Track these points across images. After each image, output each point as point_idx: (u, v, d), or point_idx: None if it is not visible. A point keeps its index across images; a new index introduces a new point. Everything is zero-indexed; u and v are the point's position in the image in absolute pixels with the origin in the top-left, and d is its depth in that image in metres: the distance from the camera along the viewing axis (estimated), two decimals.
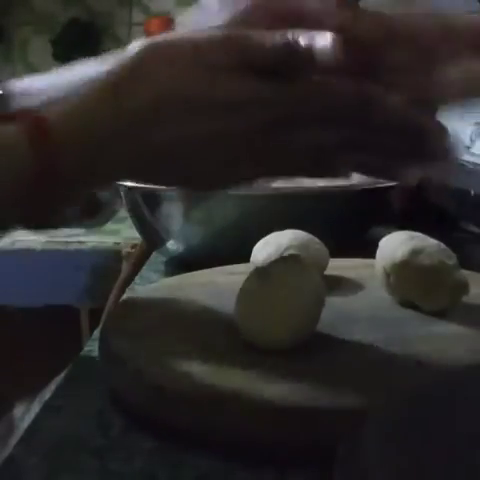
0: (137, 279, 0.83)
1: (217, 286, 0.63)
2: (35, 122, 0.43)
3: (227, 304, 0.54)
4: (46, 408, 0.51)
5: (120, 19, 1.76)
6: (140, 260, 0.99)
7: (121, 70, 0.45)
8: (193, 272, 0.68)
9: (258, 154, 0.46)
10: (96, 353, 0.56)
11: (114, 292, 1.11)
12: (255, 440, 0.44)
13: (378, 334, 0.52)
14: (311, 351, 0.50)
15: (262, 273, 0.52)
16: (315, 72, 0.44)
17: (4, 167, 0.43)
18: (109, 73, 0.45)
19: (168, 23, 1.57)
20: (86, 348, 0.61)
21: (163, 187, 0.76)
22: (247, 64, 0.44)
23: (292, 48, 0.44)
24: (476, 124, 0.80)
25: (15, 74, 1.85)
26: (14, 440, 0.48)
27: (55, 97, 0.56)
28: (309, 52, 0.43)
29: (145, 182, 0.52)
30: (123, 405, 0.49)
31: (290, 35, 0.44)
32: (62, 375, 0.58)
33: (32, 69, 1.78)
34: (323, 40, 0.43)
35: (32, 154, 0.43)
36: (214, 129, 0.44)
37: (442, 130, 0.45)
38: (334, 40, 0.43)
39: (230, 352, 0.51)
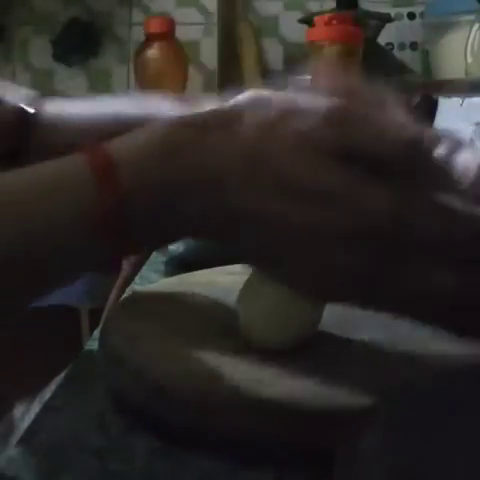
0: (137, 279, 0.83)
1: (217, 286, 0.63)
2: (103, 161, 0.40)
3: (227, 304, 0.54)
4: (46, 408, 0.51)
5: (120, 19, 1.76)
6: (140, 260, 0.99)
7: (209, 116, 0.41)
8: (193, 272, 0.68)
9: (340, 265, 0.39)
10: (96, 353, 0.56)
11: (114, 292, 1.11)
12: (255, 440, 0.44)
13: (378, 334, 0.52)
14: (311, 351, 0.50)
15: (263, 273, 0.52)
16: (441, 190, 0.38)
17: (69, 202, 0.40)
18: (195, 115, 0.41)
19: (168, 23, 1.57)
20: (86, 348, 0.61)
21: None
22: (352, 153, 0.39)
23: (419, 145, 0.39)
24: (476, 124, 0.80)
25: (15, 74, 1.85)
26: (14, 440, 0.48)
27: (94, 129, 0.55)
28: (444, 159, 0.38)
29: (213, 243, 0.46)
30: (123, 405, 0.49)
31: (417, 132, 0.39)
32: (62, 375, 0.58)
33: (32, 69, 1.78)
34: (466, 156, 0.38)
35: (98, 193, 0.39)
36: (292, 216, 0.39)
37: None
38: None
39: (230, 352, 0.51)
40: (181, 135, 0.40)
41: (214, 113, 0.42)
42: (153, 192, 0.40)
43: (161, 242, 0.45)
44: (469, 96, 0.84)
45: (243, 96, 0.42)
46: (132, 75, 1.68)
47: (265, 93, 0.42)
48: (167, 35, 1.56)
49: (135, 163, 0.40)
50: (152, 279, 0.80)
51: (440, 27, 1.31)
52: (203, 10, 1.75)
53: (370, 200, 0.38)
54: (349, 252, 0.38)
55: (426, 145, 0.39)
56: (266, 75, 1.66)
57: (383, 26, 1.48)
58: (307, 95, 0.42)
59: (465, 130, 0.81)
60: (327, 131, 0.39)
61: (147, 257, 0.93)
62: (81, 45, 1.76)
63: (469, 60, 1.05)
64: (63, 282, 0.43)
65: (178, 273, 0.70)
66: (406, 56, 1.57)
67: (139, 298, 0.63)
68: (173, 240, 0.45)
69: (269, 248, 0.41)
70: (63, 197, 0.40)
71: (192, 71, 1.65)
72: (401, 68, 1.48)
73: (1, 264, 0.40)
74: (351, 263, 0.39)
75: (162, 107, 0.57)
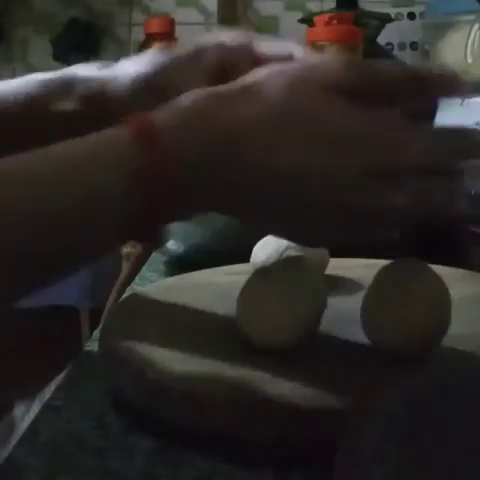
0: (137, 279, 0.83)
1: (217, 286, 0.63)
2: (146, 128, 0.42)
3: (227, 304, 0.54)
4: (46, 408, 0.51)
5: (120, 19, 1.76)
6: (140, 260, 0.99)
7: (235, 88, 0.44)
8: (193, 272, 0.68)
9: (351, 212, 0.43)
10: (96, 353, 0.56)
11: (114, 292, 1.11)
12: (255, 440, 0.44)
13: None
14: (311, 351, 0.50)
15: (263, 274, 0.52)
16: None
17: (115, 173, 0.41)
18: (221, 88, 0.44)
19: (168, 23, 1.57)
20: (86, 348, 0.61)
21: None
22: (363, 91, 0.44)
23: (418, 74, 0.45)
24: (476, 124, 0.80)
25: (15, 74, 1.85)
26: (14, 440, 0.48)
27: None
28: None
29: (233, 213, 0.48)
30: (123, 405, 0.49)
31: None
32: (62, 375, 0.58)
33: (32, 69, 1.78)
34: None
35: (142, 160, 0.41)
36: (316, 163, 0.42)
37: None
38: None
39: (230, 352, 0.51)
40: (211, 104, 0.43)
41: (236, 84, 0.45)
42: (191, 156, 0.42)
43: (195, 208, 0.46)
44: (469, 96, 0.84)
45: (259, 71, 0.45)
46: None
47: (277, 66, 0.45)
48: (167, 35, 1.56)
49: (174, 129, 0.42)
50: (152, 279, 0.80)
51: (440, 27, 1.31)
52: (203, 10, 1.76)
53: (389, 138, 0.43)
54: (364, 191, 0.43)
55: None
56: None
57: (383, 26, 1.48)
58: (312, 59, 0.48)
59: None
60: (343, 75, 0.44)
61: (147, 257, 0.93)
62: (81, 45, 1.76)
63: (469, 60, 1.05)
64: (103, 249, 0.45)
65: (178, 273, 0.70)
66: (406, 56, 1.57)
67: (139, 298, 0.63)
68: (205, 208, 0.46)
69: (290, 200, 0.43)
70: (109, 161, 0.42)
71: None
72: None
73: (53, 224, 0.41)
74: (366, 203, 0.43)
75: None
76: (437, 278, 0.50)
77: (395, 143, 0.43)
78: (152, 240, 0.45)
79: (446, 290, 0.50)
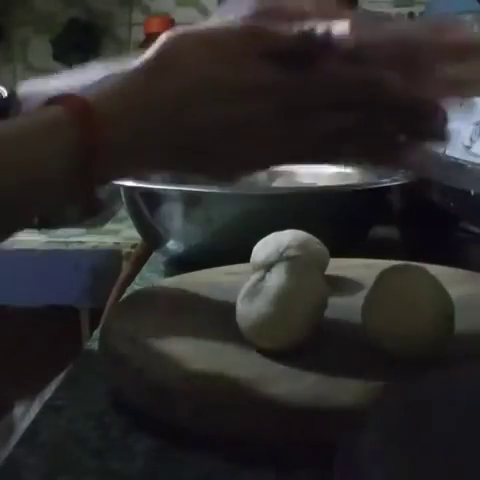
0: (137, 279, 0.83)
1: (217, 286, 0.63)
2: (80, 103, 0.45)
3: (227, 304, 0.54)
4: (46, 408, 0.51)
5: (120, 19, 1.76)
6: (140, 260, 0.99)
7: (151, 58, 0.48)
8: (193, 272, 0.68)
9: (277, 139, 0.48)
10: (96, 353, 0.56)
11: (114, 292, 1.11)
12: (255, 440, 0.44)
13: None
14: (311, 351, 0.50)
15: (264, 274, 0.52)
16: (330, 58, 0.47)
17: (52, 148, 0.45)
18: (141, 62, 0.48)
19: (168, 23, 1.57)
20: (86, 348, 0.61)
21: (163, 186, 0.76)
22: (266, 52, 0.47)
23: (309, 34, 0.47)
24: (476, 124, 0.80)
25: (15, 74, 1.85)
26: (14, 440, 0.48)
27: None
28: (326, 37, 0.47)
29: (171, 168, 0.53)
30: (123, 405, 0.49)
31: (307, 25, 0.47)
32: (62, 375, 0.58)
33: (32, 69, 1.78)
34: (341, 26, 0.46)
35: (79, 133, 0.44)
36: (236, 113, 0.47)
37: (442, 111, 0.48)
38: (351, 25, 0.46)
39: (230, 352, 0.51)
40: (136, 78, 0.48)
41: (153, 57, 0.48)
42: (125, 125, 0.46)
43: (131, 170, 0.52)
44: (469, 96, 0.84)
45: (167, 36, 0.48)
46: None
47: (183, 30, 0.49)
48: None
49: (106, 104, 0.46)
50: (152, 279, 0.80)
51: None
52: (203, 10, 1.76)
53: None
54: (285, 126, 0.47)
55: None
56: None
57: None
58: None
59: (465, 130, 0.81)
60: (242, 40, 0.47)
61: (147, 257, 0.93)
62: (81, 45, 1.76)
63: None
64: (37, 212, 0.50)
65: (178, 273, 0.70)
66: None
67: (139, 298, 0.63)
68: (144, 167, 0.52)
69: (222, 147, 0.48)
70: (44, 136, 0.45)
71: None
72: None
73: None
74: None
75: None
76: (437, 282, 0.50)
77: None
78: (91, 203, 0.48)
79: (448, 296, 0.50)
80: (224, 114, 0.47)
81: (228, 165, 0.50)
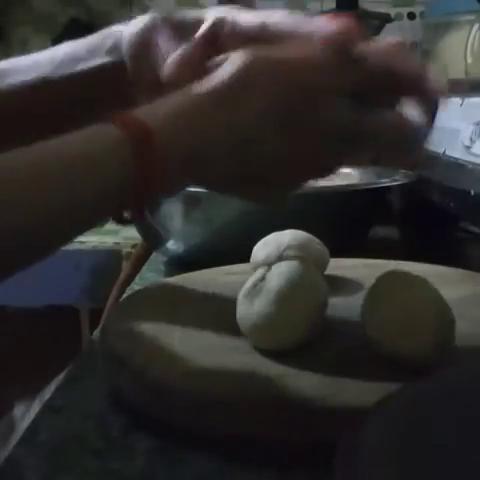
0: (137, 279, 0.83)
1: (217, 286, 0.63)
2: (138, 127, 0.43)
3: (227, 304, 0.54)
4: (46, 408, 0.51)
5: (120, 19, 1.76)
6: (140, 260, 0.99)
7: (223, 84, 0.44)
8: (193, 272, 0.68)
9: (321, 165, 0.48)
10: (96, 353, 0.56)
11: (114, 292, 1.11)
12: (255, 440, 0.44)
13: None
14: (311, 351, 0.50)
15: (264, 274, 0.52)
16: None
17: (107, 171, 0.43)
18: (211, 84, 0.45)
19: None
20: (86, 348, 0.61)
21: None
22: (344, 91, 0.46)
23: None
24: (476, 124, 0.80)
25: None
26: (14, 440, 0.48)
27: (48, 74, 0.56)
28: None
29: (224, 193, 0.50)
30: (123, 405, 0.49)
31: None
32: (62, 375, 0.58)
33: None
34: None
35: (135, 160, 0.42)
36: (305, 147, 0.46)
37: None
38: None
39: (230, 352, 0.51)
40: (204, 104, 0.44)
41: (225, 83, 0.45)
42: (187, 154, 0.44)
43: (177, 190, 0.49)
44: (469, 96, 0.84)
45: (242, 60, 0.45)
46: None
47: (261, 55, 0.46)
48: None
49: (169, 131, 0.43)
50: (152, 279, 0.80)
51: (440, 27, 1.30)
52: None
53: None
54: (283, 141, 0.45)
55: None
56: None
57: (383, 26, 1.48)
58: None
59: (465, 130, 0.81)
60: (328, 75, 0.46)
61: (147, 257, 0.93)
62: None
63: (469, 60, 1.05)
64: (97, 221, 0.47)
65: (178, 273, 0.70)
66: None
67: (139, 298, 0.63)
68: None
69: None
70: (103, 161, 0.43)
71: None
72: None
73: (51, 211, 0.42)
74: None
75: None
76: (434, 289, 0.50)
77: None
78: (140, 218, 0.48)
79: (447, 305, 0.49)
80: (292, 147, 0.45)
81: (280, 192, 0.49)
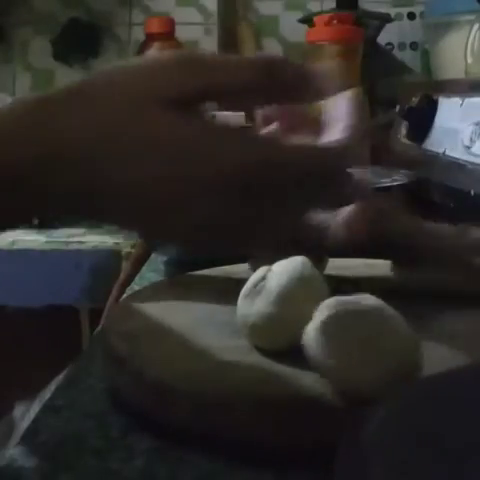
0: (137, 279, 0.83)
1: (217, 286, 0.63)
2: None
3: (227, 304, 0.54)
4: (46, 408, 0.51)
5: (120, 19, 1.76)
6: (140, 260, 0.99)
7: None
8: (193, 272, 0.68)
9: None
10: (96, 353, 0.56)
11: (114, 292, 1.11)
12: (255, 440, 0.44)
13: None
14: None
15: (264, 274, 0.52)
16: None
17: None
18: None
19: (168, 23, 1.57)
20: (86, 348, 0.61)
21: None
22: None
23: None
24: (476, 124, 0.80)
25: (15, 74, 1.85)
26: (14, 440, 0.48)
27: None
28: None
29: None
30: (123, 405, 0.49)
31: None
32: (62, 375, 0.58)
33: (32, 69, 1.78)
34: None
35: None
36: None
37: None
38: None
39: (230, 352, 0.51)
40: (41, 112, 0.41)
41: (70, 89, 0.43)
42: (16, 165, 0.41)
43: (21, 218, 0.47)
44: (469, 96, 0.84)
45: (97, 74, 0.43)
46: None
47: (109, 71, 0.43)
48: (167, 35, 1.56)
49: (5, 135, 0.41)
50: (152, 279, 0.80)
51: (440, 27, 1.30)
52: (203, 10, 1.76)
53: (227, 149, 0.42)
54: (215, 202, 0.42)
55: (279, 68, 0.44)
56: None
57: (383, 26, 1.48)
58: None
59: (465, 130, 0.81)
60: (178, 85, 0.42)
61: (147, 257, 0.93)
62: (81, 45, 1.76)
63: (469, 60, 1.05)
64: None
65: (178, 273, 0.70)
66: (406, 56, 1.57)
67: (139, 298, 0.63)
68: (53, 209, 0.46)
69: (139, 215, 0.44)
70: None
71: None
72: (401, 68, 1.49)
73: None
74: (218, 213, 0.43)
75: None
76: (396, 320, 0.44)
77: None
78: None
79: (410, 334, 0.44)
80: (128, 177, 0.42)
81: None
